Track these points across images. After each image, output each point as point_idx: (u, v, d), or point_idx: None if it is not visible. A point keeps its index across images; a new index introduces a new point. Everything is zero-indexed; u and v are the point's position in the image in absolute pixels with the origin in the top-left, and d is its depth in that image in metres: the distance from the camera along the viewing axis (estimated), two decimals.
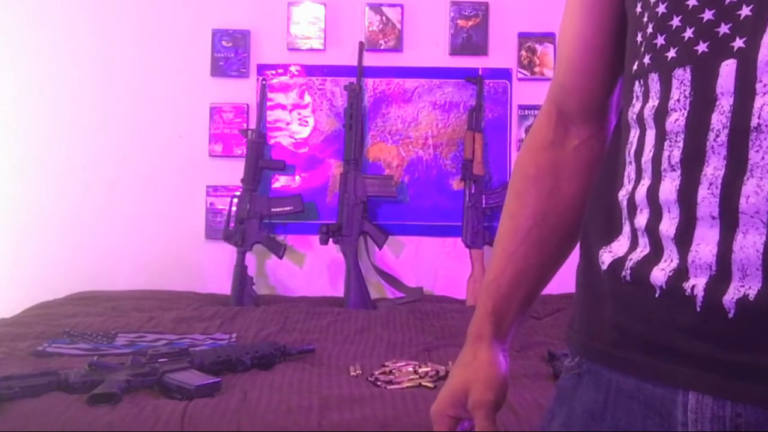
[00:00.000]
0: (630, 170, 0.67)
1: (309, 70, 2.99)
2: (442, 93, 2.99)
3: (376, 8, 2.99)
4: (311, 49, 2.99)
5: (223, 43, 2.97)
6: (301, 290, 2.92)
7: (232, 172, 2.90)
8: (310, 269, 2.97)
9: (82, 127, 2.95)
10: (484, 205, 2.84)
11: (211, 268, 2.95)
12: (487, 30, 2.99)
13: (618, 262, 0.66)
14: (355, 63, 2.94)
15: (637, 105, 0.67)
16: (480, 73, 2.96)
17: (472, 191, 2.86)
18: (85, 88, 2.95)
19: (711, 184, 0.58)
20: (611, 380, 0.66)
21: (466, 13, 2.99)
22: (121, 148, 2.96)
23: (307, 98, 2.99)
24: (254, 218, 2.83)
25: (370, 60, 2.97)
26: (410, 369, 1.81)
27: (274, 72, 2.99)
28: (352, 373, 1.83)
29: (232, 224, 2.83)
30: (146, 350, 1.78)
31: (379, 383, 1.73)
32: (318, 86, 2.99)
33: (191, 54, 2.97)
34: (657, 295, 0.61)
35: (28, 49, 2.95)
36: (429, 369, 1.80)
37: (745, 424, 0.56)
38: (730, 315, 0.56)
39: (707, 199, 0.58)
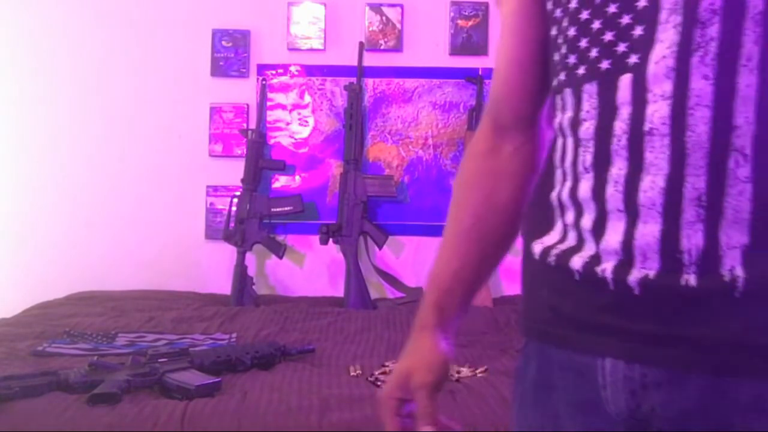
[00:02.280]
0: (558, 174, 0.77)
1: (309, 70, 2.99)
2: (442, 93, 2.99)
3: (376, 8, 2.99)
4: (311, 49, 2.99)
5: (223, 43, 2.97)
6: (301, 290, 2.92)
7: (232, 172, 2.90)
8: (310, 269, 2.97)
9: (81, 127, 2.95)
10: None
11: (211, 268, 2.95)
12: (487, 30, 2.98)
13: (546, 251, 0.76)
14: (355, 63, 2.94)
15: (559, 116, 0.76)
16: (480, 73, 2.96)
17: None
18: (85, 88, 2.95)
19: (616, 182, 0.68)
20: (551, 355, 0.76)
21: (466, 13, 2.99)
22: (121, 148, 2.96)
23: (307, 98, 2.99)
24: (254, 218, 2.83)
25: (370, 60, 2.97)
26: None
27: (274, 72, 2.99)
28: (352, 373, 1.83)
29: (232, 224, 2.83)
30: (146, 350, 1.79)
31: (379, 383, 1.72)
32: (318, 86, 2.99)
33: (191, 54, 2.97)
34: (576, 278, 0.71)
35: (28, 49, 2.95)
36: None
37: (651, 383, 0.67)
38: (636, 292, 0.66)
39: (614, 195, 0.68)
